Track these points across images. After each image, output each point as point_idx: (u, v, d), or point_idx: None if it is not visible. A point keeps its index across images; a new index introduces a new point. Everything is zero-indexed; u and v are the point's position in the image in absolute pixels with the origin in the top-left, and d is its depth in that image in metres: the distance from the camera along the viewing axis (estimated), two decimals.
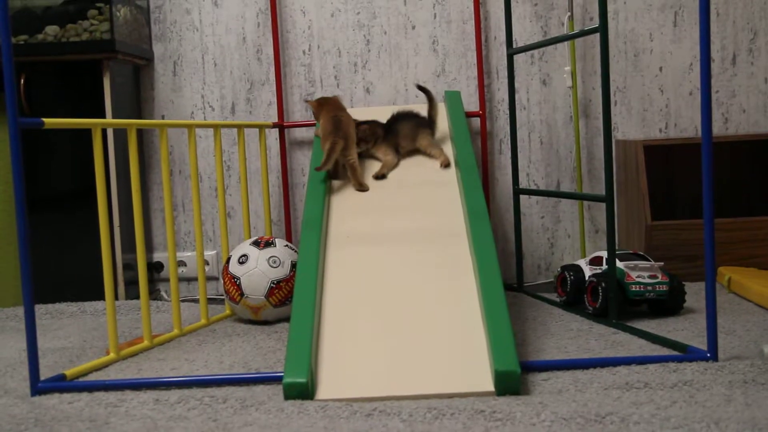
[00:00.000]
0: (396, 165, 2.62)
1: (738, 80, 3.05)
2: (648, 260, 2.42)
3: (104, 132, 2.76)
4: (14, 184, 1.76)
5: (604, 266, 2.41)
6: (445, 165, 2.58)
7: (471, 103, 3.07)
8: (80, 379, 1.90)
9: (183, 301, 2.86)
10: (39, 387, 1.79)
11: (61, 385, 1.82)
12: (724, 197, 3.01)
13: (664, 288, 2.32)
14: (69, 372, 1.90)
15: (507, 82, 2.94)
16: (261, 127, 2.85)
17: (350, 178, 2.51)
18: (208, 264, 3.10)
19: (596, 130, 3.07)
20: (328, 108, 2.63)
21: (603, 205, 3.00)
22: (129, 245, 2.86)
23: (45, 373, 1.89)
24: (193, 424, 1.56)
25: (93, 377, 1.93)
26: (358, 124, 2.63)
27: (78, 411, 1.67)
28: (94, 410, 1.67)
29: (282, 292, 2.43)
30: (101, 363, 2.02)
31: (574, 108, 3.02)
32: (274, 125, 2.97)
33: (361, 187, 2.50)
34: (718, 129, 3.05)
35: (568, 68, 3.02)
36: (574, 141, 3.05)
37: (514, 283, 2.93)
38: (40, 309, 2.66)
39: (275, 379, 1.81)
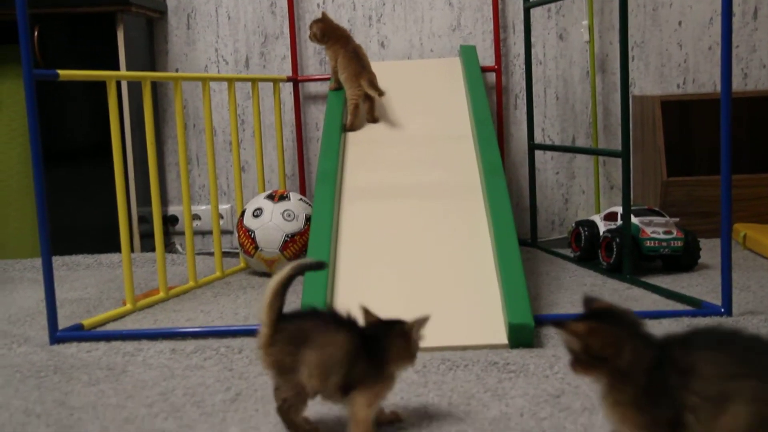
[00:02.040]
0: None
1: (759, 35, 3.00)
2: (663, 216, 2.41)
3: (119, 86, 2.75)
4: (30, 137, 1.77)
5: (619, 222, 2.40)
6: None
7: (486, 58, 3.04)
8: (97, 329, 1.93)
9: (198, 254, 2.88)
10: (57, 336, 1.82)
11: (78, 334, 1.85)
12: (741, 153, 2.98)
13: (679, 244, 2.31)
14: (86, 322, 1.92)
15: (523, 36, 2.90)
16: (275, 81, 2.83)
17: (366, 112, 2.61)
18: (222, 217, 3.11)
19: (613, 85, 3.04)
20: (341, 40, 2.66)
21: (618, 161, 2.98)
22: (144, 198, 2.87)
23: (63, 323, 1.91)
24: (209, 373, 1.58)
25: (110, 327, 1.96)
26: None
27: (96, 359, 1.69)
28: (111, 359, 1.69)
29: (296, 245, 2.44)
30: (118, 313, 2.04)
31: (590, 63, 2.99)
32: (289, 79, 2.95)
33: (375, 120, 2.62)
34: (737, 84, 3.01)
35: (585, 22, 2.98)
36: (591, 96, 3.02)
37: (528, 238, 2.93)
38: (57, 261, 2.69)
39: None
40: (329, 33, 2.67)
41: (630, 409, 0.97)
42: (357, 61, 2.60)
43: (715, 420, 0.92)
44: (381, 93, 2.54)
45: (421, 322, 1.21)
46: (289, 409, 1.21)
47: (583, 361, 1.01)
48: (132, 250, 2.79)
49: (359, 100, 2.58)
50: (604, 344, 0.99)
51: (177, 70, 3.11)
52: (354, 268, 1.97)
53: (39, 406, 1.43)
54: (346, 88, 2.61)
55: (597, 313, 1.04)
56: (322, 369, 1.18)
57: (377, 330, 1.22)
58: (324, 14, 2.72)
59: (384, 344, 1.20)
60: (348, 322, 1.22)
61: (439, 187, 2.26)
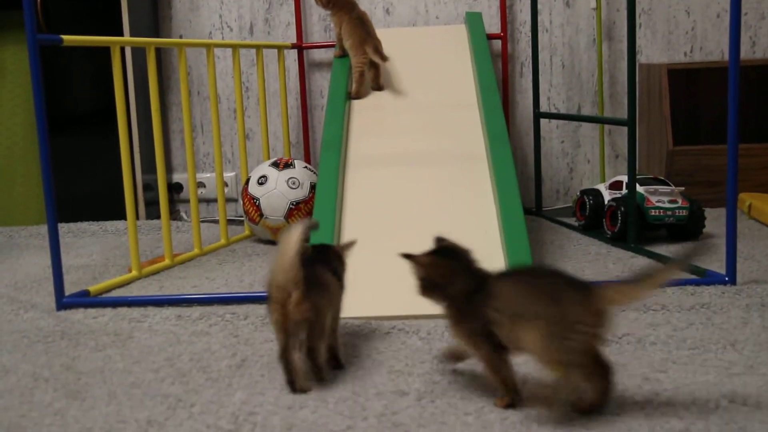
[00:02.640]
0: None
1: None
2: (668, 185, 2.40)
3: (122, 52, 2.74)
4: (35, 104, 1.76)
5: (624, 191, 2.40)
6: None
7: (492, 25, 3.01)
8: (104, 296, 1.94)
9: (203, 221, 2.88)
10: (64, 302, 1.83)
11: (85, 300, 1.86)
12: (748, 123, 2.97)
13: (684, 213, 2.31)
14: (92, 288, 1.93)
15: (529, 3, 2.88)
16: (280, 48, 2.82)
17: (371, 80, 2.60)
18: (227, 185, 3.11)
19: (619, 53, 3.02)
20: (346, 6, 2.64)
21: (624, 130, 2.97)
22: (148, 166, 2.87)
23: (69, 289, 1.92)
24: (215, 339, 1.59)
25: (116, 293, 1.97)
26: None
27: (102, 325, 1.70)
28: (118, 324, 1.70)
29: (301, 213, 2.45)
30: (124, 280, 2.05)
31: (597, 30, 2.97)
32: (293, 46, 2.94)
33: (380, 87, 2.60)
34: (745, 52, 2.99)
35: None
36: (597, 64, 3.00)
37: (533, 207, 2.92)
38: (62, 228, 2.69)
39: None
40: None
41: (458, 323, 1.24)
42: (362, 27, 2.58)
43: (512, 331, 1.17)
44: (385, 59, 2.52)
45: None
46: (316, 353, 1.32)
47: (425, 286, 1.27)
48: (137, 217, 2.79)
49: (365, 68, 2.57)
50: (441, 274, 1.25)
51: (181, 37, 3.10)
52: (359, 235, 1.96)
53: (47, 370, 1.44)
54: (351, 55, 2.60)
55: (441, 249, 1.29)
56: (337, 307, 1.40)
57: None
58: None
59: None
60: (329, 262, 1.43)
61: (445, 155, 2.25)
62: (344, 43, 2.63)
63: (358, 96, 2.56)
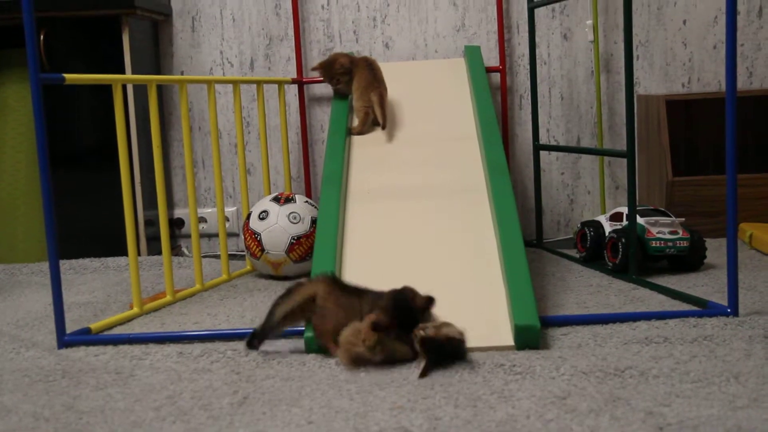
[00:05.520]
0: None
1: (764, 33, 3.00)
2: (669, 216, 2.41)
3: (124, 89, 2.76)
4: (37, 141, 1.77)
5: (625, 222, 2.40)
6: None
7: (491, 58, 3.04)
8: (105, 333, 1.93)
9: (204, 257, 2.89)
10: (65, 340, 1.83)
11: (86, 338, 1.85)
12: (747, 152, 2.98)
13: (685, 244, 2.31)
14: (94, 325, 1.93)
15: (528, 36, 2.90)
16: (280, 83, 2.84)
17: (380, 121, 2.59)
18: (228, 220, 3.12)
19: (617, 85, 3.04)
20: (360, 61, 2.66)
21: (623, 161, 2.98)
22: (150, 202, 2.88)
23: (70, 327, 1.92)
24: (216, 376, 1.59)
25: (117, 331, 1.96)
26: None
27: (104, 363, 1.70)
28: (119, 362, 1.70)
29: (302, 247, 2.45)
30: (125, 317, 2.05)
31: (595, 63, 2.99)
32: (293, 81, 2.96)
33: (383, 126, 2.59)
34: (742, 83, 3.01)
35: (589, 22, 2.98)
36: (595, 96, 3.02)
37: (534, 239, 2.93)
38: (64, 264, 2.70)
39: (297, 334, 1.83)
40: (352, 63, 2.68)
41: None
42: (370, 72, 2.60)
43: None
44: (384, 126, 2.55)
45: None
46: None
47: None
48: (138, 253, 2.79)
49: (369, 109, 2.57)
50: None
51: (182, 73, 3.12)
52: (360, 269, 1.97)
53: (47, 410, 1.44)
54: (355, 97, 2.61)
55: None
56: None
57: None
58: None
59: None
60: None
61: (445, 188, 2.26)
62: (353, 86, 2.64)
63: (360, 133, 2.57)
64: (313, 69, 2.73)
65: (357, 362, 1.58)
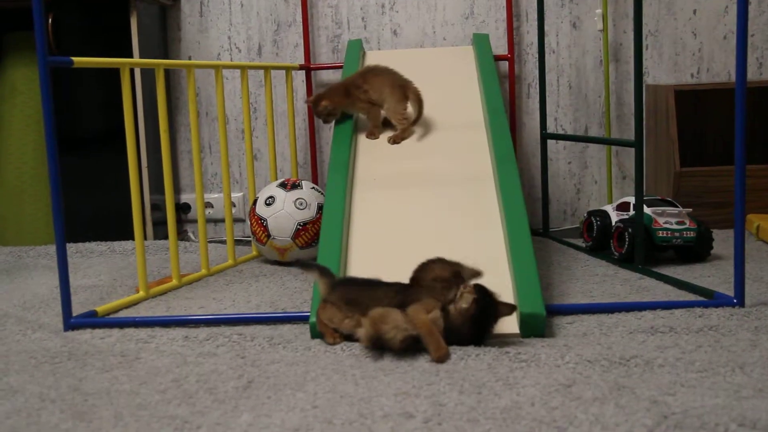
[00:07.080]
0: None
1: None
2: (676, 206, 2.40)
3: (132, 73, 2.76)
4: (45, 124, 1.78)
5: (631, 212, 2.40)
6: (393, 141, 2.43)
7: (499, 47, 3.03)
8: (111, 316, 1.94)
9: (210, 242, 2.89)
10: (71, 322, 1.83)
11: (92, 321, 1.86)
12: (756, 143, 2.97)
13: (692, 234, 2.30)
14: (100, 309, 1.93)
15: (537, 24, 2.89)
16: (288, 69, 2.84)
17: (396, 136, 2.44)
18: (234, 205, 3.12)
19: (626, 74, 3.02)
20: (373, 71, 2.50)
21: (631, 151, 2.97)
22: (156, 186, 2.88)
23: (77, 310, 1.92)
24: (222, 360, 1.59)
25: (123, 314, 1.97)
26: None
27: (109, 346, 1.70)
28: (125, 345, 1.71)
29: (308, 233, 2.45)
30: (131, 300, 2.05)
31: (604, 52, 2.98)
32: (301, 67, 2.95)
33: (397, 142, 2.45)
34: (752, 74, 2.99)
35: (599, 11, 2.97)
36: (604, 86, 3.01)
37: (540, 228, 2.92)
38: (70, 248, 2.70)
39: (302, 319, 1.84)
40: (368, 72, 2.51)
41: None
42: (387, 76, 2.48)
43: None
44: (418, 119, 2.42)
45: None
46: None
47: None
48: (145, 237, 2.80)
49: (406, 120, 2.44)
50: None
51: (190, 58, 3.12)
52: (366, 256, 1.97)
53: (53, 391, 1.44)
54: (393, 101, 2.44)
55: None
56: None
57: None
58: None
59: None
60: None
61: (452, 176, 2.26)
62: (373, 97, 2.47)
63: (375, 137, 2.47)
64: (306, 102, 2.84)
65: (376, 343, 1.58)
